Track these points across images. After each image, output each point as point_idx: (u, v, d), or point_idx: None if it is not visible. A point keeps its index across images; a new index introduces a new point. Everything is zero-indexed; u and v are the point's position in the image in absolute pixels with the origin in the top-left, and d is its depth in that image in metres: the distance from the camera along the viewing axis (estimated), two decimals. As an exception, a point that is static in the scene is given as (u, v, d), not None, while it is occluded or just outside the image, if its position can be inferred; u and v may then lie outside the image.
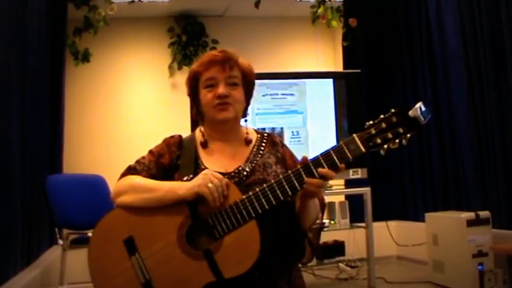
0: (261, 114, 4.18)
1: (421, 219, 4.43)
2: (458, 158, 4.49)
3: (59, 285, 3.58)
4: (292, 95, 4.26)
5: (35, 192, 3.72)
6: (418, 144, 4.98)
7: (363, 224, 4.20)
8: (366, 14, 5.46)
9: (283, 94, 4.24)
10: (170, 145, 1.75)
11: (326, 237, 4.34)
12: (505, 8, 3.84)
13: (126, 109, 5.89)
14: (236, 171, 1.65)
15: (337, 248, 4.37)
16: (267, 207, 1.50)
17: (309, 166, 1.50)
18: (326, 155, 1.50)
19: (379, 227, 4.57)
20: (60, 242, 3.52)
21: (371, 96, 5.40)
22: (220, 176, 1.54)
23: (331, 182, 4.08)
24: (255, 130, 1.83)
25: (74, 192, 3.67)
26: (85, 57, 5.37)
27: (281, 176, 1.52)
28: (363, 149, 1.48)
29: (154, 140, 1.91)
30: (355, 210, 4.44)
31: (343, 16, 5.32)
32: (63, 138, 4.91)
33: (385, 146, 1.48)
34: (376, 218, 4.36)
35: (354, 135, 1.49)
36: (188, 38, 5.95)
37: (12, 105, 3.14)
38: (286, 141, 4.08)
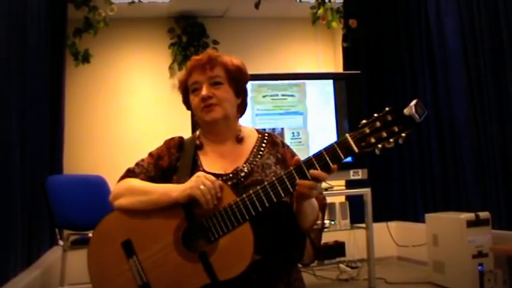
0: (261, 115, 4.17)
1: (421, 219, 4.43)
2: (458, 158, 4.49)
3: (60, 286, 3.58)
4: (292, 95, 4.26)
5: (35, 193, 3.72)
6: (418, 145, 4.99)
7: (363, 225, 4.20)
8: (366, 15, 5.46)
9: (283, 95, 4.24)
10: (170, 147, 1.75)
11: (326, 237, 4.34)
12: (503, 9, 3.84)
13: (127, 110, 5.89)
14: (234, 172, 1.65)
15: (338, 249, 4.37)
16: (260, 209, 1.49)
17: (301, 167, 1.49)
18: (318, 155, 1.49)
19: (379, 227, 4.57)
20: (61, 242, 3.52)
21: (371, 97, 5.41)
22: (213, 178, 1.54)
23: (331, 183, 4.12)
24: (256, 130, 1.82)
25: (74, 192, 3.67)
26: (85, 58, 5.37)
27: (274, 178, 1.51)
28: (356, 149, 1.45)
29: (154, 141, 1.91)
30: (356, 211, 4.44)
31: (343, 17, 5.32)
32: (63, 138, 4.91)
33: (380, 146, 1.45)
34: (377, 218, 4.36)
35: (347, 134, 1.47)
36: (188, 39, 5.95)
37: (12, 105, 3.14)
38: (287, 142, 4.07)
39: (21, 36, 3.42)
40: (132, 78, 5.96)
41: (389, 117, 1.44)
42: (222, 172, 1.65)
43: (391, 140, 1.44)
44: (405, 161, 5.20)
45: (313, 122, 4.27)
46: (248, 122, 3.91)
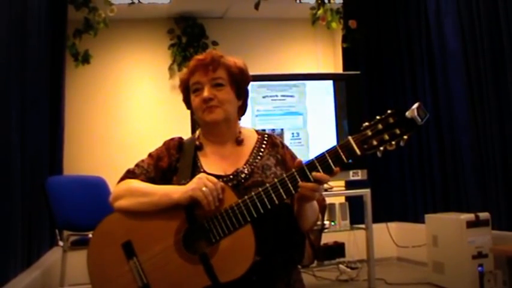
0: (261, 115, 4.17)
1: (421, 220, 4.43)
2: (458, 159, 4.49)
3: (60, 286, 3.58)
4: (292, 96, 4.26)
5: (35, 194, 3.72)
6: (418, 145, 4.99)
7: (363, 226, 4.20)
8: (366, 16, 5.46)
9: (283, 96, 4.24)
10: (170, 148, 1.75)
11: (326, 238, 4.33)
12: (503, 9, 3.85)
13: (126, 110, 5.90)
14: (235, 173, 1.65)
15: (338, 250, 4.36)
16: (262, 211, 1.49)
17: (304, 170, 1.49)
18: (321, 158, 1.48)
19: (379, 228, 4.57)
20: (61, 243, 3.52)
21: (371, 97, 5.41)
22: (215, 179, 1.53)
23: (331, 183, 4.12)
24: (256, 131, 1.81)
25: (74, 193, 3.67)
26: (85, 59, 5.38)
27: (276, 180, 1.51)
28: (358, 152, 1.45)
29: (154, 142, 1.91)
30: (355, 212, 4.44)
31: (342, 18, 5.33)
32: (63, 139, 4.91)
33: (382, 148, 1.45)
34: (376, 219, 4.36)
35: (349, 137, 1.47)
36: (188, 40, 5.96)
37: (12, 106, 3.14)
38: (286, 142, 4.06)
39: (21, 37, 3.43)
40: (132, 79, 5.97)
41: (391, 120, 1.44)
42: (222, 173, 1.64)
43: (393, 142, 1.44)
44: (405, 161, 5.20)
45: (312, 123, 4.27)
46: (248, 123, 3.91)
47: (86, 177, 4.20)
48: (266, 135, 1.78)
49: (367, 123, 1.47)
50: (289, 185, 1.49)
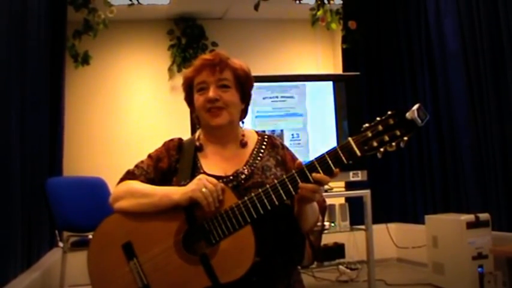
0: (260, 117, 4.17)
1: (421, 221, 4.43)
2: (458, 159, 4.49)
3: (60, 287, 3.58)
4: (292, 97, 4.26)
5: (35, 195, 3.72)
6: (418, 146, 4.98)
7: (363, 226, 4.20)
8: (366, 17, 5.46)
9: (283, 97, 4.24)
10: (169, 149, 1.74)
11: (326, 239, 4.33)
12: (503, 9, 3.85)
13: (126, 111, 5.89)
14: (235, 174, 1.65)
15: (337, 250, 4.36)
16: (262, 212, 1.49)
17: (304, 171, 1.49)
18: (321, 159, 1.48)
19: (379, 229, 4.57)
20: (61, 244, 3.52)
21: (371, 98, 5.41)
22: (215, 180, 1.53)
23: (331, 184, 4.11)
24: (256, 132, 1.81)
25: (74, 194, 3.67)
26: (85, 60, 5.37)
27: (276, 181, 1.50)
28: (359, 153, 1.45)
29: (153, 142, 1.91)
30: (355, 213, 4.43)
31: (342, 18, 5.32)
32: (63, 140, 4.91)
33: (382, 149, 1.45)
34: (376, 220, 4.36)
35: (349, 138, 1.46)
36: (188, 41, 5.95)
37: (12, 107, 3.14)
38: (286, 143, 4.07)
39: (21, 38, 3.43)
40: (132, 80, 5.96)
41: (391, 121, 1.44)
42: (222, 174, 1.64)
43: (393, 143, 1.44)
44: (405, 162, 5.20)
45: (312, 124, 4.27)
46: (248, 124, 3.90)
47: (86, 178, 4.20)
48: (266, 136, 1.78)
49: (367, 125, 1.47)
50: (289, 186, 1.49)
